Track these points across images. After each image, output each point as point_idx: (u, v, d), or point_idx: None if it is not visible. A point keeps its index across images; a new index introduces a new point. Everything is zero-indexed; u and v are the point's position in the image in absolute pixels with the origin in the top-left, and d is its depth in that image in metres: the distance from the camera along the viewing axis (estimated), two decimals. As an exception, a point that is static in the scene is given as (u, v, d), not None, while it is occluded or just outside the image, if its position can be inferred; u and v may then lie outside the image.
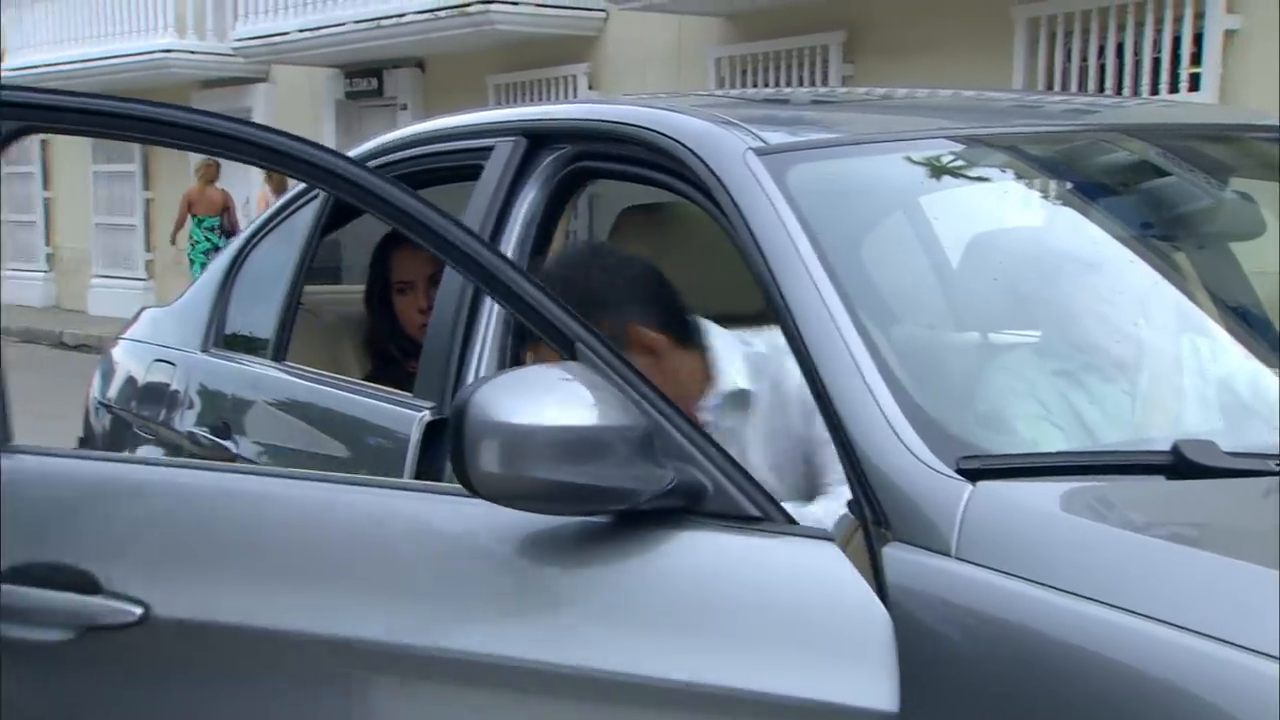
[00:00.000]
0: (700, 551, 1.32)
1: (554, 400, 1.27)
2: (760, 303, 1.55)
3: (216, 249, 11.19)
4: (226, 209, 11.81)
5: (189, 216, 11.76)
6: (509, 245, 1.97)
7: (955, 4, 7.91)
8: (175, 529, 1.51)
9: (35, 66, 13.70)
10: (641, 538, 1.32)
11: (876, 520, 1.30)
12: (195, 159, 12.10)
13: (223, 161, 11.81)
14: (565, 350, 1.38)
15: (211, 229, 11.68)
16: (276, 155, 1.46)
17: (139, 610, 1.45)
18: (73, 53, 13.75)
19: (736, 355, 1.96)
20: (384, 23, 10.41)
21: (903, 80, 7.90)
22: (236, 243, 2.78)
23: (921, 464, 1.29)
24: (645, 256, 2.13)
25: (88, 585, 1.47)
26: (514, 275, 1.41)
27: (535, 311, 1.39)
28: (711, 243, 2.04)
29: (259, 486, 1.49)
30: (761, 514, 1.33)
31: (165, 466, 1.63)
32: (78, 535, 1.51)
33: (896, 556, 1.26)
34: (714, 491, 1.32)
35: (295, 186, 2.66)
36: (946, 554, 1.23)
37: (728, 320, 2.25)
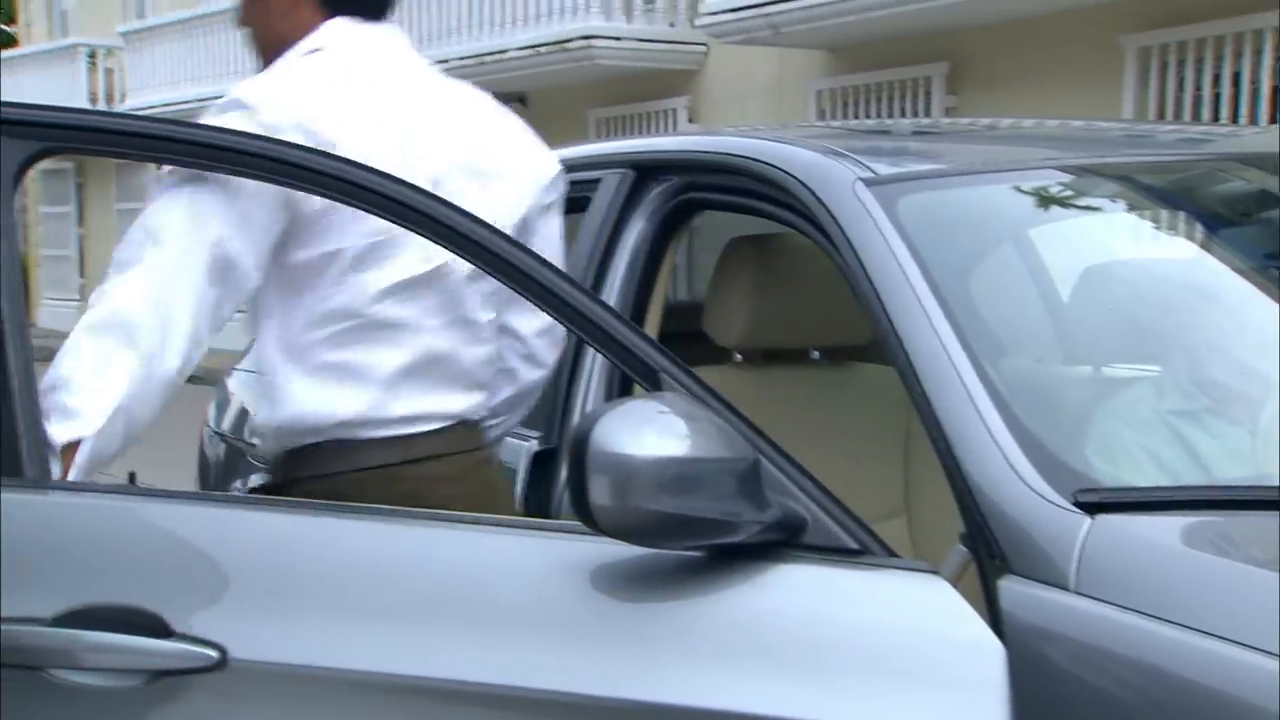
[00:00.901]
0: (803, 585, 1.32)
1: (668, 432, 1.26)
2: (869, 333, 1.55)
3: None
4: None
5: None
6: (616, 277, 2.00)
7: (1062, 34, 7.82)
8: (251, 569, 1.42)
9: (155, 106, 14.20)
10: (743, 572, 1.31)
11: (990, 553, 1.29)
12: None
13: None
14: (649, 382, 1.37)
15: None
16: (311, 174, 1.45)
17: (215, 654, 1.37)
18: (190, 92, 14.23)
19: None
20: (487, 59, 10.61)
21: (1007, 112, 7.82)
22: None
23: (1038, 497, 1.28)
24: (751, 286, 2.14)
25: (157, 628, 1.38)
26: (591, 305, 1.41)
27: (615, 342, 1.39)
28: (818, 273, 2.05)
29: (338, 524, 1.44)
30: (861, 547, 1.32)
31: (239, 506, 1.58)
32: (142, 576, 1.42)
33: (1013, 590, 1.24)
34: (813, 524, 1.31)
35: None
36: (1064, 588, 1.22)
37: (838, 353, 2.26)
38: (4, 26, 19.80)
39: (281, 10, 1.78)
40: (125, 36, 15.32)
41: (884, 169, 1.72)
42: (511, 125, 1.83)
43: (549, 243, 1.81)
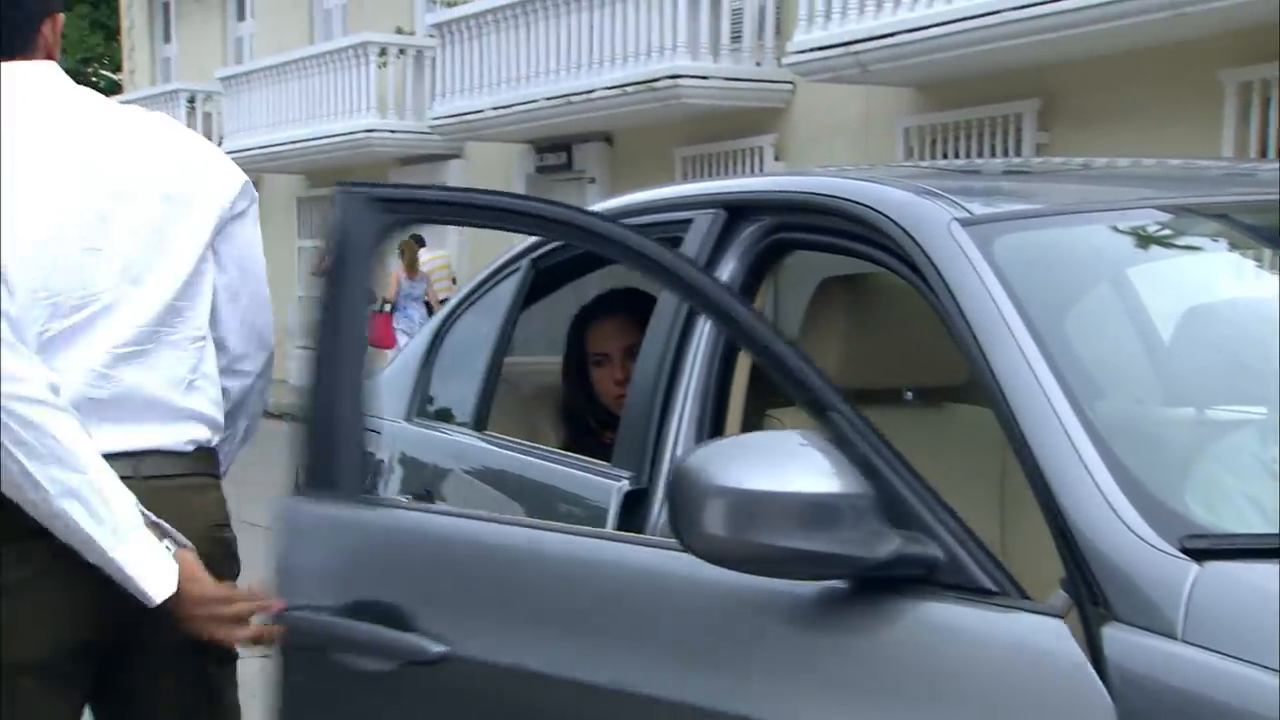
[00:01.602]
0: (926, 622, 1.32)
1: (778, 465, 1.31)
2: (964, 375, 1.54)
3: None
4: None
5: None
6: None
7: (1158, 69, 7.71)
8: (475, 576, 1.69)
9: (250, 149, 14.60)
10: (873, 605, 1.34)
11: (1093, 599, 1.27)
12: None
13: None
14: (816, 415, 1.42)
15: None
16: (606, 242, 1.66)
17: (442, 648, 1.62)
18: (284, 134, 14.61)
19: None
20: (574, 99, 10.74)
21: (1101, 149, 7.72)
22: (439, 315, 2.90)
23: (1142, 542, 1.26)
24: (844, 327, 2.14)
25: (405, 623, 1.67)
26: (770, 334, 1.50)
27: (792, 374, 1.45)
28: (911, 313, 2.04)
29: (552, 541, 1.64)
30: (996, 588, 1.32)
31: (473, 519, 1.79)
32: (396, 577, 1.73)
33: (1117, 638, 1.22)
34: (948, 562, 1.32)
35: (493, 262, 2.76)
36: (1171, 636, 1.19)
37: (931, 393, 2.24)
38: (110, 74, 20.52)
39: None
40: (224, 81, 15.77)
41: (979, 209, 1.71)
42: (192, 144, 1.96)
43: (249, 248, 1.97)
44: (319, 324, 1.88)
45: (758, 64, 10.23)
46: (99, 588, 1.74)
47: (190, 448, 1.87)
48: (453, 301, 2.86)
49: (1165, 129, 7.55)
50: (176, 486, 1.84)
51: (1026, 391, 1.43)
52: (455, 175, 13.71)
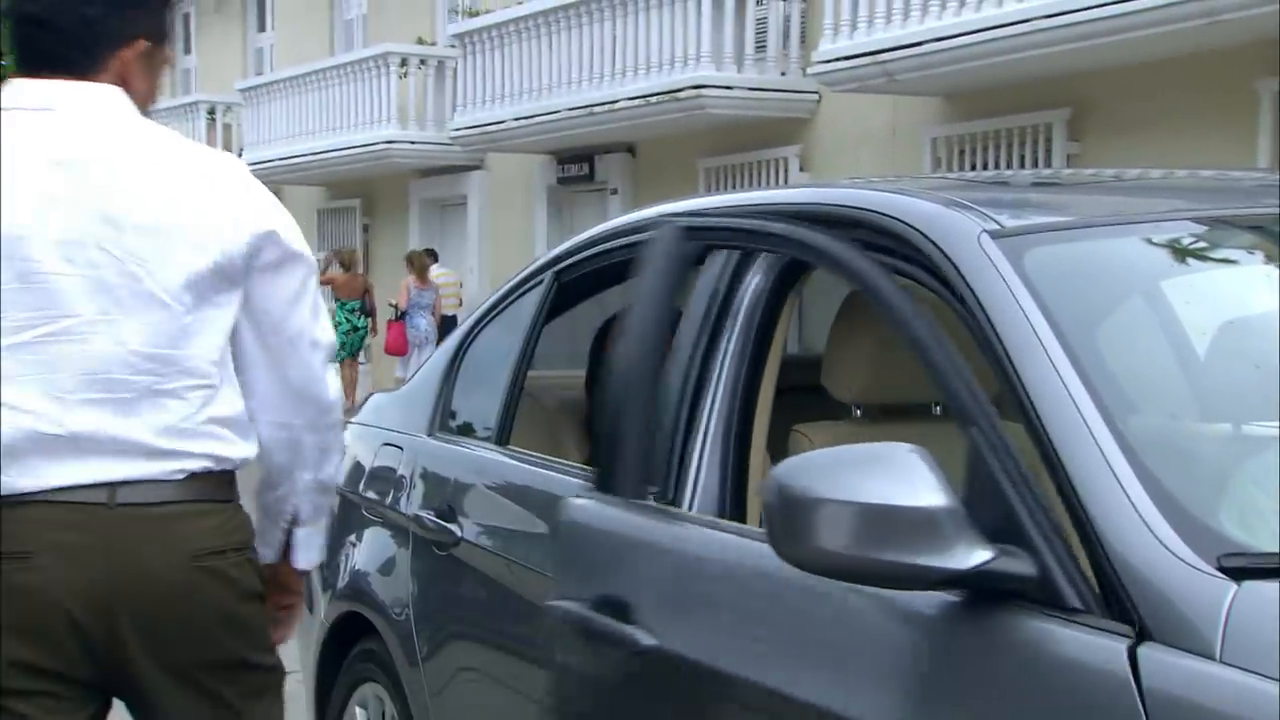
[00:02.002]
0: (1004, 634, 1.37)
1: (888, 478, 1.37)
2: (993, 389, 1.54)
3: (356, 329, 13.00)
4: (367, 292, 13.25)
5: (334, 300, 12.72)
6: (734, 329, 2.01)
7: (1191, 78, 7.68)
8: (683, 577, 1.84)
9: (270, 160, 14.69)
10: (972, 618, 1.41)
11: (1127, 618, 1.26)
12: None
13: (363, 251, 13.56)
14: (961, 425, 1.49)
15: (352, 311, 13.04)
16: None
17: (653, 641, 1.77)
18: (304, 146, 14.70)
19: None
20: (596, 110, 10.77)
21: (1133, 159, 7.69)
22: (461, 330, 2.91)
23: (1179, 561, 1.26)
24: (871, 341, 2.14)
25: (631, 617, 1.83)
26: (941, 341, 1.58)
27: (948, 385, 1.51)
28: (943, 327, 2.03)
29: (748, 550, 1.71)
30: (1082, 606, 1.33)
31: (689, 523, 1.88)
32: (625, 575, 1.92)
33: (1153, 658, 1.22)
34: (1039, 578, 1.36)
35: (515, 276, 2.77)
36: (1210, 657, 1.19)
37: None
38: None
39: None
40: (244, 93, 15.89)
41: (1009, 221, 1.71)
42: (218, 188, 1.84)
43: (275, 302, 1.87)
44: (622, 339, 2.02)
45: (782, 74, 10.24)
46: (74, 614, 1.73)
47: (180, 475, 1.81)
48: (475, 315, 2.87)
49: (1199, 139, 7.51)
50: (155, 515, 1.78)
51: (1059, 406, 1.43)
52: (476, 187, 13.76)
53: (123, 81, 1.87)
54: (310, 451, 1.97)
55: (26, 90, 1.85)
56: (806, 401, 2.29)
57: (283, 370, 1.91)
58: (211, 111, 16.70)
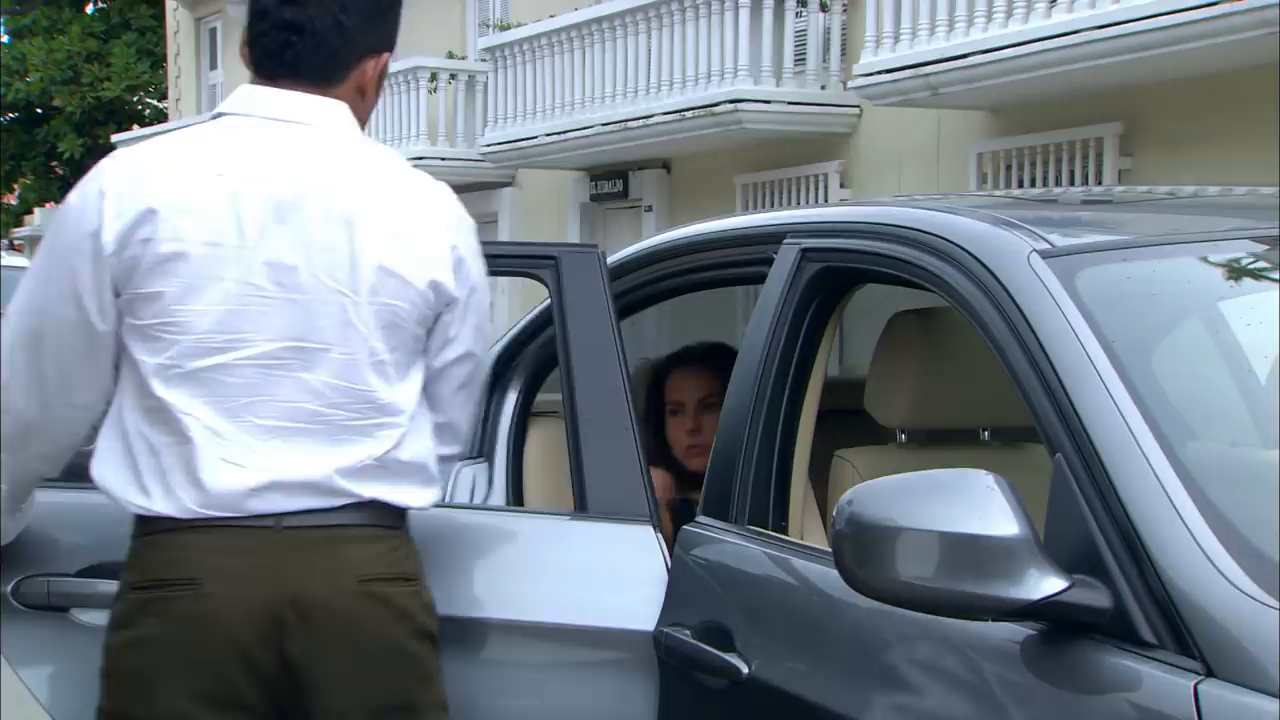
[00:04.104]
0: (1075, 668, 1.37)
1: (942, 505, 1.39)
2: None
3: None
4: None
5: None
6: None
7: (1249, 91, 7.62)
8: (781, 608, 1.86)
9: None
10: (1043, 649, 1.42)
11: (1188, 653, 1.25)
12: None
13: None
14: (1050, 450, 1.49)
15: None
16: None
17: (747, 669, 1.77)
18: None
19: None
20: (630, 125, 10.81)
21: (1188, 176, 7.64)
22: (493, 353, 2.91)
23: (1241, 594, 1.25)
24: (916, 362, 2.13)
25: (730, 645, 1.82)
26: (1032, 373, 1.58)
27: (1036, 412, 1.52)
28: (988, 349, 2.03)
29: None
30: (1155, 641, 1.33)
31: (797, 555, 1.88)
32: (727, 604, 1.92)
33: (1215, 695, 1.21)
34: (1113, 610, 1.36)
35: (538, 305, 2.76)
36: (1272, 694, 1.18)
37: (1009, 434, 2.22)
38: (155, 102, 20.94)
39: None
40: (270, 108, 16.04)
41: (1060, 240, 1.71)
42: (420, 215, 1.81)
43: (459, 332, 1.84)
44: (736, 364, 2.03)
45: (822, 88, 10.24)
46: (244, 641, 1.72)
47: (345, 501, 1.77)
48: (505, 339, 2.88)
49: (1256, 154, 7.45)
50: (321, 538, 1.76)
51: (1114, 433, 1.42)
52: (507, 204, 13.83)
53: (359, 93, 1.85)
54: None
55: (263, 98, 1.82)
56: (847, 425, 2.29)
57: (442, 411, 1.88)
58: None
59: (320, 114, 1.81)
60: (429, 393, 1.86)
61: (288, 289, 1.74)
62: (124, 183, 1.75)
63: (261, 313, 1.74)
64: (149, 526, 1.77)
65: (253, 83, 1.85)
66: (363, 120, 1.87)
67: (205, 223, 1.73)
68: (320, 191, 1.76)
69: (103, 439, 1.80)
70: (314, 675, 1.75)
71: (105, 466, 1.79)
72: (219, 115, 1.84)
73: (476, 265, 1.86)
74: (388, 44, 1.89)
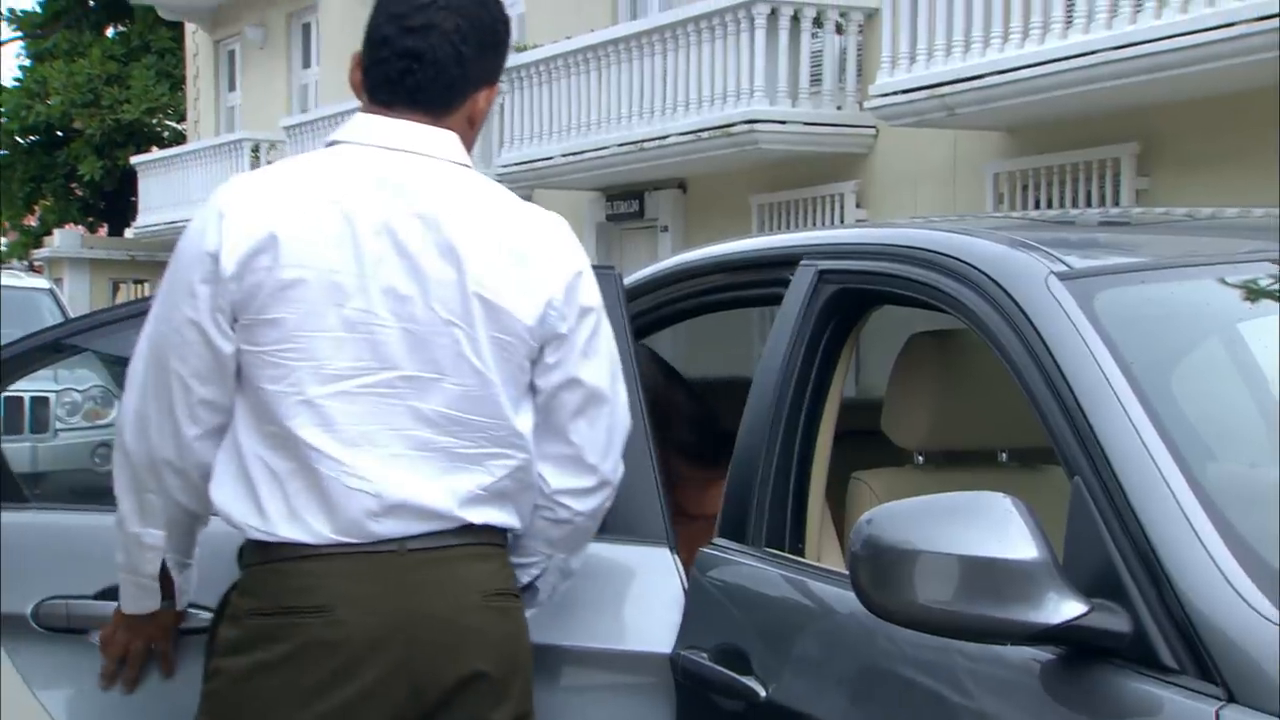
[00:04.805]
0: (1095, 693, 1.36)
1: (961, 528, 1.38)
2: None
3: None
4: None
5: None
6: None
7: (1267, 112, 7.60)
8: (798, 630, 1.85)
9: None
10: (1063, 674, 1.41)
11: (1209, 679, 1.25)
12: None
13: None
14: (1068, 472, 1.49)
15: None
16: None
17: (764, 692, 1.76)
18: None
19: None
20: (646, 145, 10.84)
21: (1206, 197, 7.62)
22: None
23: (1262, 619, 1.24)
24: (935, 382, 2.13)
25: (747, 667, 1.81)
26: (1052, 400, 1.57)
27: (1054, 433, 1.52)
28: (1006, 370, 2.03)
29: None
30: (1177, 666, 1.33)
31: (814, 577, 1.87)
32: (744, 626, 1.91)
33: (1236, 721, 1.20)
34: (1133, 634, 1.35)
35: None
36: (1295, 720, 1.17)
37: (1027, 456, 2.22)
38: (174, 124, 21.08)
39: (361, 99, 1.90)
40: (288, 130, 16.14)
41: (1078, 262, 1.71)
42: (532, 248, 1.80)
43: (565, 358, 1.81)
44: (753, 385, 2.02)
45: (838, 108, 10.26)
46: (373, 665, 1.73)
47: (458, 525, 1.78)
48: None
49: (1275, 175, 7.43)
50: (442, 558, 1.77)
51: (1132, 455, 1.42)
52: (523, 224, 13.83)
53: (469, 123, 1.87)
54: (579, 533, 1.91)
55: (380, 127, 1.82)
56: (863, 446, 2.28)
57: (543, 446, 1.84)
58: (256, 149, 16.97)
59: (434, 144, 1.82)
60: (547, 422, 1.84)
61: (403, 319, 1.75)
62: (244, 207, 1.76)
63: (379, 341, 1.74)
64: (273, 553, 1.76)
65: (366, 111, 1.85)
66: (469, 148, 1.87)
67: (324, 250, 1.74)
68: (432, 223, 1.76)
69: (220, 463, 1.79)
70: (445, 694, 1.76)
71: (223, 491, 1.78)
72: (333, 143, 1.84)
73: (588, 297, 1.84)
74: (497, 75, 1.91)
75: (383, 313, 1.74)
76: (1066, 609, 1.34)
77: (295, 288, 1.73)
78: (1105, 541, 1.41)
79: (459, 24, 1.83)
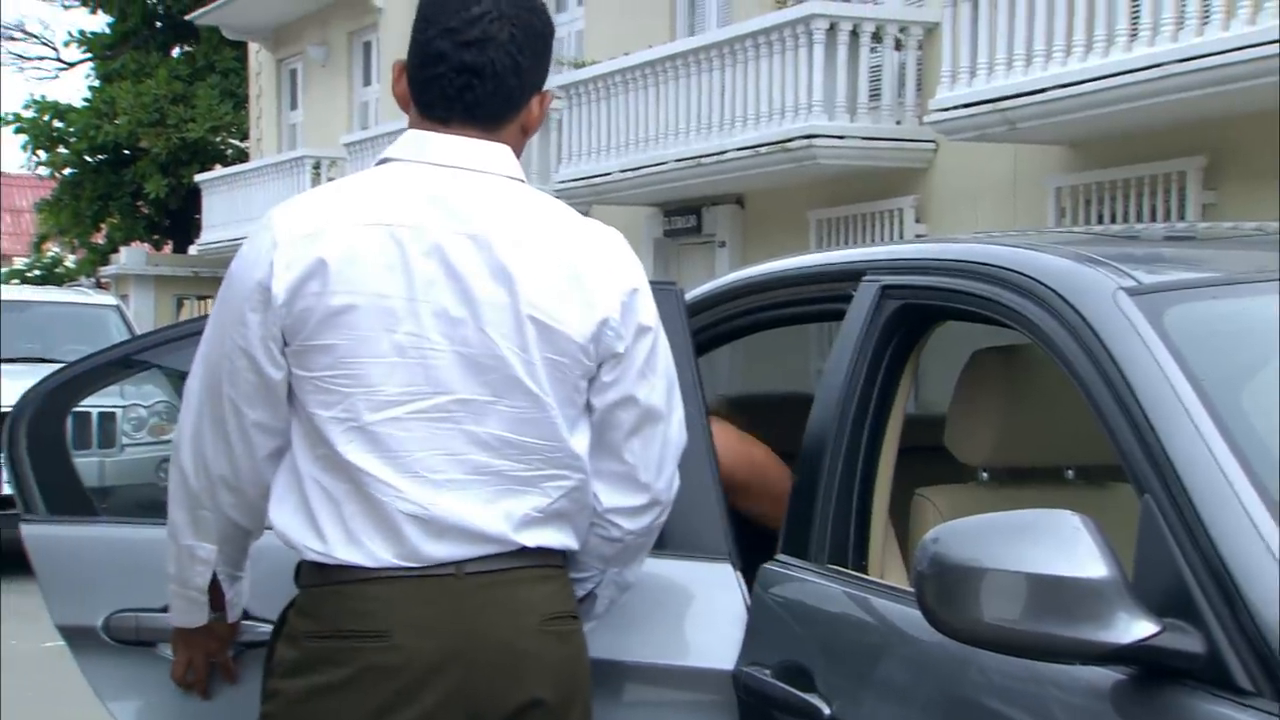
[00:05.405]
0: (1169, 714, 1.35)
1: (1028, 545, 1.37)
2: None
3: None
4: None
5: None
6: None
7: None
8: (862, 648, 1.83)
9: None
10: (1133, 695, 1.39)
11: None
12: None
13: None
14: (1138, 490, 1.47)
15: None
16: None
17: (827, 709, 1.76)
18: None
19: None
20: (704, 161, 10.84)
21: (1275, 211, 7.49)
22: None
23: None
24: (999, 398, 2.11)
25: (811, 685, 1.80)
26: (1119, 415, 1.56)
27: (1124, 452, 1.50)
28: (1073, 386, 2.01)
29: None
30: (1253, 688, 1.31)
31: (878, 594, 1.86)
32: (807, 643, 1.90)
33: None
34: (1206, 655, 1.33)
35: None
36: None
37: (1094, 473, 2.19)
38: (237, 142, 21.40)
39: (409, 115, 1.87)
40: (349, 147, 16.33)
41: (1146, 277, 1.69)
42: (587, 265, 1.78)
43: (622, 377, 1.78)
44: (815, 401, 2.02)
45: (897, 123, 10.22)
46: (431, 689, 1.72)
47: (515, 548, 1.77)
48: None
49: (1346, 187, 7.31)
50: (501, 581, 1.76)
51: (1205, 475, 1.40)
52: (581, 240, 13.88)
53: (522, 131, 1.85)
54: (631, 551, 1.90)
55: (434, 144, 1.80)
56: (924, 463, 2.27)
57: (597, 463, 1.82)
58: (316, 166, 17.18)
59: (488, 159, 1.80)
60: (601, 440, 1.82)
61: (455, 342, 1.73)
62: (294, 233, 1.74)
63: (431, 365, 1.72)
64: (331, 575, 1.75)
65: (417, 126, 1.83)
66: (518, 155, 1.85)
67: (374, 275, 1.72)
68: (484, 243, 1.74)
69: (278, 485, 1.79)
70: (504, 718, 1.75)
71: (282, 512, 1.78)
72: (385, 160, 1.82)
73: (646, 315, 1.81)
74: (545, 79, 1.87)
75: (434, 336, 1.72)
76: (1137, 629, 1.33)
77: (345, 314, 1.71)
78: (1177, 560, 1.38)
79: (513, 33, 1.79)
